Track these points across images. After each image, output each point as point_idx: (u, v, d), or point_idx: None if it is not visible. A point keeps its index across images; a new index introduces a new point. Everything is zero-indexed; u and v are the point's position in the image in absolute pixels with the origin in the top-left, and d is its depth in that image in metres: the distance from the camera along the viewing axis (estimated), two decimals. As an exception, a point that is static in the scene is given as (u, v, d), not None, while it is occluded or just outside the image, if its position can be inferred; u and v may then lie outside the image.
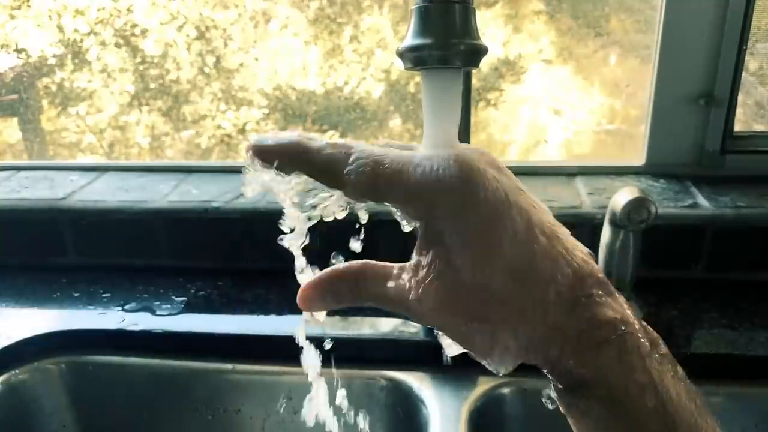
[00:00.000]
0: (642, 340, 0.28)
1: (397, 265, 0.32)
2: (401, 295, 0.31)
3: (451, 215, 0.29)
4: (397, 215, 0.33)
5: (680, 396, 0.28)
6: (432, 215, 0.30)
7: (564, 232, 0.31)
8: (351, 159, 0.30)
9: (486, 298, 0.29)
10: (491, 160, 0.32)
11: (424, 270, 0.30)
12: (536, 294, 0.28)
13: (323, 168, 0.31)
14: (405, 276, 0.31)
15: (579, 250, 0.30)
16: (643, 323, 0.30)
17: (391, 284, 0.31)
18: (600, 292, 0.29)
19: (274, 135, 0.33)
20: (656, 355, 0.28)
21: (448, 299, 0.29)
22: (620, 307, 0.29)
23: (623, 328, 0.28)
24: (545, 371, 0.30)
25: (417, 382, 0.71)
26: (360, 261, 0.33)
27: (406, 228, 0.34)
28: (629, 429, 0.28)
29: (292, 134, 0.32)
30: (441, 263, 0.29)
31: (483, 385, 0.70)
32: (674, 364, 0.29)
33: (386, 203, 0.31)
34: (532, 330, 0.29)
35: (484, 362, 0.31)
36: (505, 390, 0.70)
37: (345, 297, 0.32)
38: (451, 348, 0.32)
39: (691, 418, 0.28)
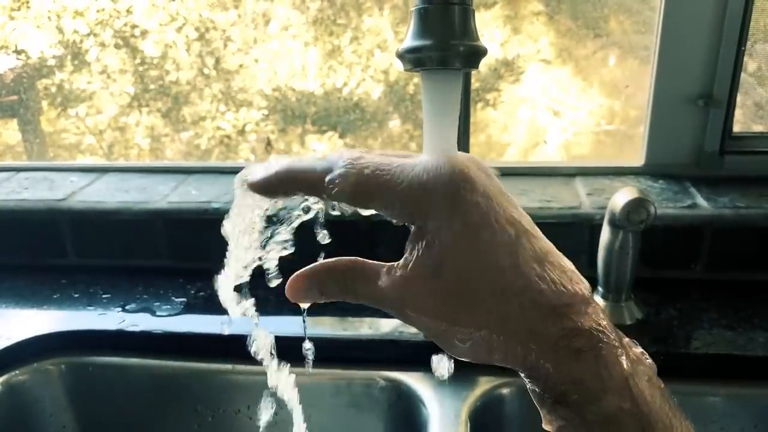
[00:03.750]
0: (617, 347, 0.29)
1: (387, 265, 0.32)
2: (387, 295, 0.31)
3: (438, 218, 0.30)
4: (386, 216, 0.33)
5: (655, 398, 0.29)
6: (421, 218, 0.30)
7: (546, 242, 0.31)
8: (335, 169, 0.31)
9: (466, 302, 0.29)
10: (482, 166, 0.32)
11: (410, 270, 0.30)
12: (516, 301, 0.29)
13: (304, 181, 0.32)
14: (393, 275, 0.31)
15: (561, 259, 0.31)
16: (618, 331, 0.30)
17: (379, 283, 0.31)
18: (578, 302, 0.30)
19: (265, 167, 0.33)
20: (631, 361, 0.29)
21: (430, 301, 0.30)
22: (597, 316, 0.30)
23: (600, 336, 0.29)
24: (523, 375, 0.30)
25: (417, 382, 0.71)
26: (350, 258, 0.33)
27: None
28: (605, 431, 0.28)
29: (281, 162, 0.33)
30: (426, 264, 0.30)
31: (483, 385, 0.70)
32: (649, 368, 0.30)
33: (372, 208, 0.32)
34: (509, 336, 0.29)
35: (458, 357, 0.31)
36: (505, 390, 0.70)
37: (332, 292, 0.33)
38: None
39: (666, 419, 0.29)
